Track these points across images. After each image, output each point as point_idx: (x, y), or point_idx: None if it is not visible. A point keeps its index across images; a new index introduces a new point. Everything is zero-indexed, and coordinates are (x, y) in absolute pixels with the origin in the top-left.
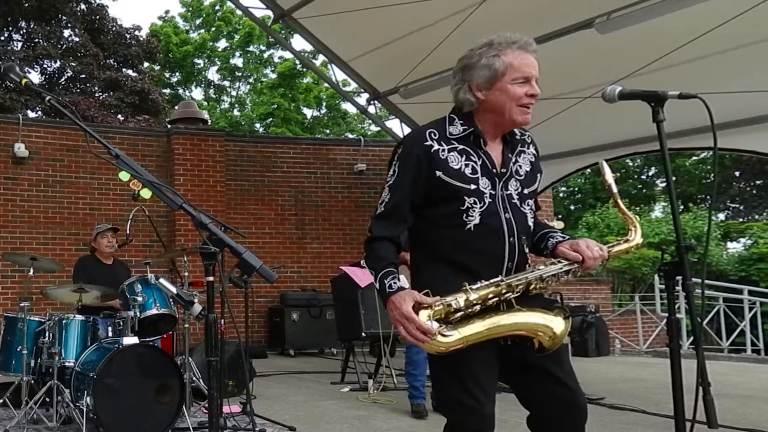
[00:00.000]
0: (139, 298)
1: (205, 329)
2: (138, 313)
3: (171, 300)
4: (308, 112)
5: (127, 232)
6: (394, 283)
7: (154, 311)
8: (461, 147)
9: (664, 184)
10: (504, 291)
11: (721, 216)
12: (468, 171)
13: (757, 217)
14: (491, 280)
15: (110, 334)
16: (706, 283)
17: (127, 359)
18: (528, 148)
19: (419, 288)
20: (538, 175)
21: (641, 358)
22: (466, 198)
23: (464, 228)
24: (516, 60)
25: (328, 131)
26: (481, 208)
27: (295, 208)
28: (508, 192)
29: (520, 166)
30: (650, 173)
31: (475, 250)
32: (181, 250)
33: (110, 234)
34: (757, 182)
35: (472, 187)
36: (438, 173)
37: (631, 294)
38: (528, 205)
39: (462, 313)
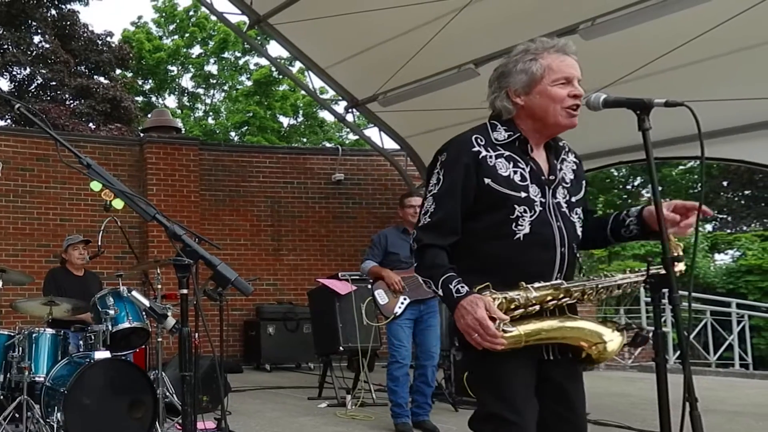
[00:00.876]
0: (111, 312)
1: (179, 343)
2: (110, 327)
3: (144, 313)
4: (285, 121)
5: (99, 243)
6: (462, 287)
7: (126, 325)
8: (507, 153)
9: (649, 195)
10: (561, 295)
11: (709, 227)
12: (517, 178)
13: (745, 228)
14: (551, 282)
15: (81, 348)
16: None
17: (98, 374)
18: (569, 156)
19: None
20: (584, 182)
21: (627, 372)
22: (516, 206)
23: (513, 237)
24: (554, 62)
25: (305, 140)
26: (531, 217)
27: (271, 218)
28: (557, 200)
29: (566, 174)
30: (636, 183)
31: (525, 260)
32: (155, 262)
33: (82, 246)
34: (746, 192)
35: (523, 195)
36: (487, 181)
37: (616, 307)
38: (576, 213)
39: (522, 310)
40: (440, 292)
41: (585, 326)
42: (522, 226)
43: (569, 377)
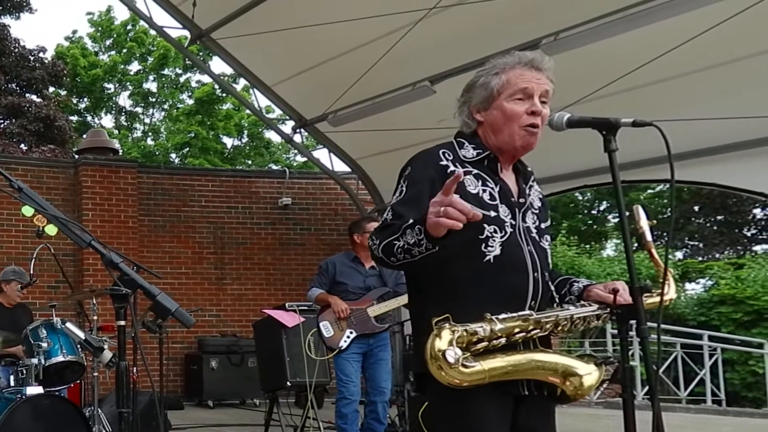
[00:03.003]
0: (44, 344)
1: (116, 378)
2: (43, 361)
3: (79, 346)
4: (228, 142)
5: (31, 272)
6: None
7: (60, 358)
8: (476, 171)
9: (616, 220)
10: (531, 327)
11: (679, 254)
12: (486, 197)
13: (717, 255)
14: (519, 313)
15: (12, 383)
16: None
17: (30, 410)
18: (534, 183)
19: (424, 335)
20: (548, 212)
21: (591, 409)
22: (485, 226)
23: (482, 260)
24: (513, 76)
25: (250, 162)
26: (501, 238)
27: (213, 245)
28: (527, 225)
29: (534, 200)
30: (601, 208)
31: (496, 284)
32: (90, 291)
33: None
34: (718, 218)
35: (492, 214)
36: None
37: (580, 339)
38: (546, 240)
39: (485, 344)
40: (408, 238)
41: (556, 360)
42: (492, 247)
43: (543, 421)
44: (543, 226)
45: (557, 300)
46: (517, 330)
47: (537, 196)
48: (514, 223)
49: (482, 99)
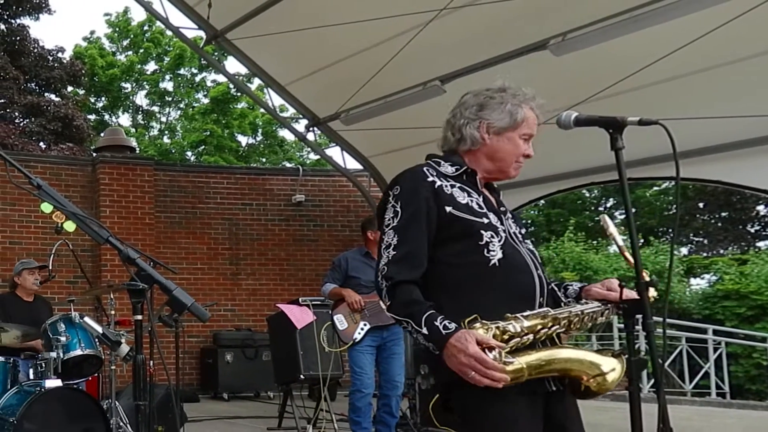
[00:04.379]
0: (63, 338)
1: (133, 371)
2: (61, 354)
3: (96, 340)
4: (243, 140)
5: (50, 267)
6: (449, 323)
7: (78, 352)
8: (459, 185)
9: (623, 217)
10: (551, 324)
11: (684, 250)
12: (475, 206)
13: (722, 251)
14: (538, 310)
15: (31, 376)
16: (668, 322)
17: (49, 403)
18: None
19: None
20: (522, 222)
21: (598, 401)
22: (482, 232)
23: (488, 264)
24: (530, 116)
25: (264, 160)
26: (500, 242)
27: (229, 241)
28: (513, 230)
29: (508, 211)
30: (608, 204)
31: (506, 286)
32: (108, 286)
33: (38, 270)
34: (722, 214)
35: (485, 220)
36: (448, 209)
37: (587, 334)
38: (531, 243)
39: (517, 340)
40: (424, 331)
41: (582, 356)
42: (494, 251)
43: (571, 417)
44: (523, 231)
45: (563, 301)
46: (540, 327)
47: (508, 210)
48: (503, 228)
49: (504, 125)
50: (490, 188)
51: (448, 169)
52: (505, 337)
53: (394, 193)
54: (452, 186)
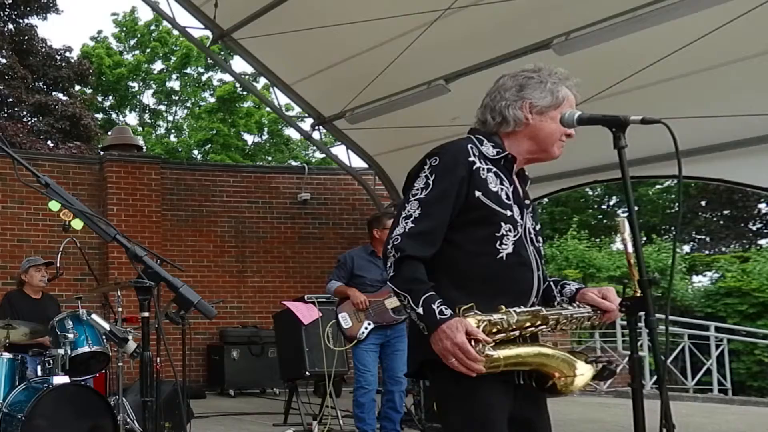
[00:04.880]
0: (70, 335)
1: (140, 368)
2: (69, 351)
3: (104, 337)
4: (249, 138)
5: (57, 265)
6: (446, 309)
7: (86, 349)
8: (495, 170)
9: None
10: (539, 322)
11: (686, 248)
12: (503, 196)
13: (724, 249)
14: (531, 308)
15: (39, 372)
16: (671, 319)
17: (57, 399)
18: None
19: None
20: (538, 216)
21: (601, 398)
22: (502, 224)
23: (495, 257)
24: (570, 96)
25: (270, 158)
26: (514, 237)
27: (235, 239)
28: (528, 226)
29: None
30: (611, 203)
31: (507, 281)
32: (115, 284)
33: (44, 267)
34: (724, 212)
35: (509, 213)
36: (477, 194)
37: (590, 331)
38: (540, 241)
39: (503, 335)
40: (419, 310)
41: (560, 356)
42: (506, 245)
43: (537, 411)
44: (537, 227)
45: (558, 300)
46: (528, 324)
47: (531, 202)
48: (522, 223)
49: (547, 104)
50: (521, 177)
51: (489, 150)
52: (494, 329)
53: (432, 163)
54: (489, 170)
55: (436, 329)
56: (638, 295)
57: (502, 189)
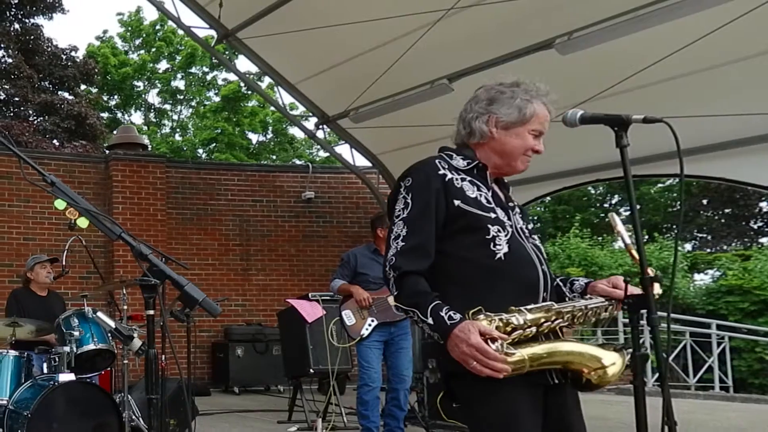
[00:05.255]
0: (76, 333)
1: (145, 365)
2: (75, 349)
3: (109, 334)
4: (254, 137)
5: (63, 263)
6: (454, 314)
7: (91, 346)
8: (469, 179)
9: (627, 213)
10: (554, 317)
11: (688, 246)
12: (483, 200)
13: (725, 247)
14: (542, 304)
15: (45, 370)
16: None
17: (63, 397)
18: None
19: None
20: (529, 218)
21: (604, 395)
22: (489, 226)
23: (494, 258)
24: (541, 112)
25: (274, 157)
26: (506, 236)
27: (239, 237)
28: (520, 225)
29: (516, 206)
30: (613, 201)
31: (511, 280)
32: (120, 282)
33: (49, 264)
34: (726, 211)
35: (493, 215)
36: (457, 202)
37: (593, 328)
38: (537, 239)
39: (519, 333)
40: (429, 321)
41: (584, 350)
42: (500, 245)
43: (571, 409)
44: (530, 227)
45: (568, 296)
46: (543, 320)
47: (517, 205)
48: (510, 223)
49: (512, 120)
50: (500, 183)
51: (459, 162)
52: (509, 329)
53: (405, 184)
54: (462, 180)
55: (449, 335)
56: (640, 293)
57: (480, 194)
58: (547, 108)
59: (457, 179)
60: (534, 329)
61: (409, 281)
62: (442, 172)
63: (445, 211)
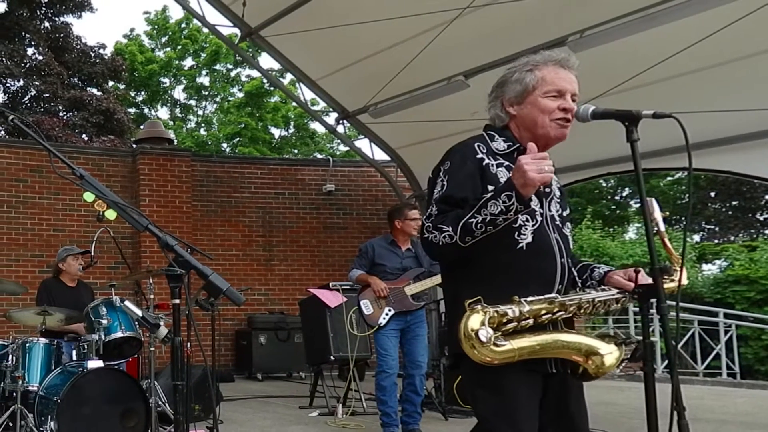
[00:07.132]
0: (104, 321)
1: (171, 353)
2: (103, 336)
3: (136, 323)
4: (276, 132)
5: (92, 253)
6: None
7: (119, 334)
8: (507, 163)
9: (638, 205)
10: (556, 310)
11: (696, 237)
12: None
13: (732, 238)
14: (545, 296)
15: (74, 357)
16: (681, 306)
17: (91, 383)
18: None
19: (458, 317)
20: (567, 201)
21: (614, 381)
22: (518, 215)
23: (516, 247)
24: (549, 74)
25: (296, 151)
26: (533, 226)
27: (262, 229)
28: (551, 213)
29: (555, 189)
30: (624, 194)
31: (528, 270)
32: (147, 272)
33: (80, 256)
34: (733, 203)
35: None
36: (490, 188)
37: (604, 317)
38: (567, 228)
39: (515, 324)
40: (498, 202)
41: (580, 340)
42: (525, 235)
43: (573, 395)
44: (564, 213)
45: (579, 285)
46: (543, 312)
47: (556, 186)
48: (542, 211)
49: (516, 94)
50: None
51: (500, 145)
52: (504, 320)
53: (444, 168)
54: (499, 165)
55: (512, 185)
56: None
57: None
58: (562, 66)
59: (492, 165)
60: (531, 321)
61: (445, 221)
62: (479, 156)
63: (479, 195)
